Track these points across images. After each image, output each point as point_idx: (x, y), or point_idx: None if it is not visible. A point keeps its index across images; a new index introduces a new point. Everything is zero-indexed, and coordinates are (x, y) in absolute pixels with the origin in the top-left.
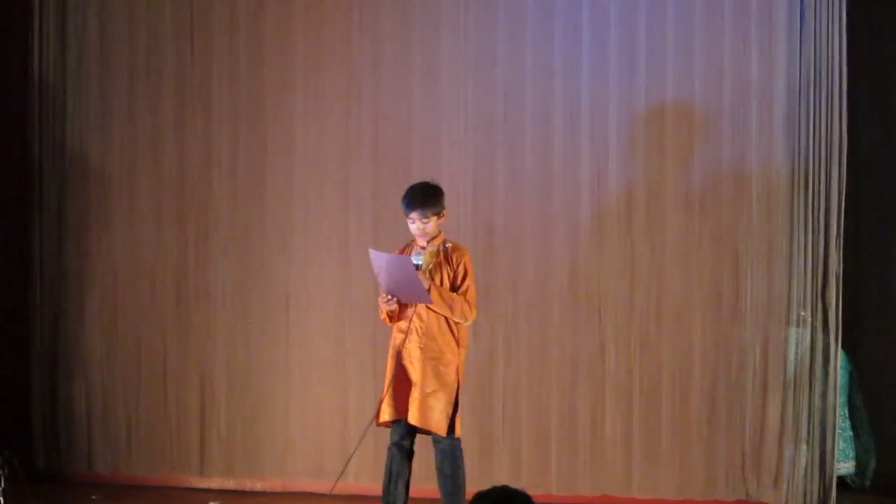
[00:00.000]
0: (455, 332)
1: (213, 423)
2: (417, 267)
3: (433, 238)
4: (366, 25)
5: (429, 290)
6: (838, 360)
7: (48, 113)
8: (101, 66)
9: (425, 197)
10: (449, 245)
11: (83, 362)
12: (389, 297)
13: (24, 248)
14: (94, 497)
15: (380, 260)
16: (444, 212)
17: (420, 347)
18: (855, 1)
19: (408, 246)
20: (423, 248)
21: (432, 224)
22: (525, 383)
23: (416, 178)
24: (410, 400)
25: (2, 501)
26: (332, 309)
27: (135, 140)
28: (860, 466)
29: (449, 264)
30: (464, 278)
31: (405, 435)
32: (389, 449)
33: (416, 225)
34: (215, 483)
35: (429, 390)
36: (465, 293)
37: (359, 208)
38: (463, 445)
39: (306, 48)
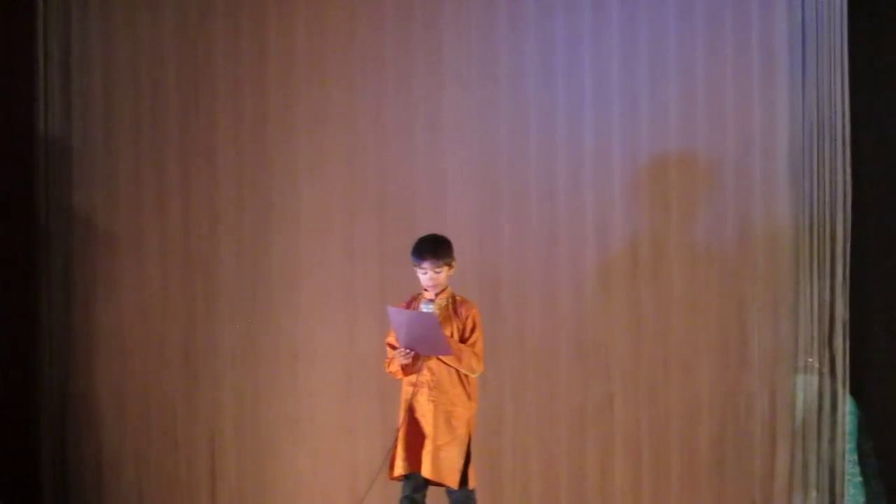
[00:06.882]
0: (466, 384)
1: (223, 480)
2: None
3: (442, 291)
4: (368, 80)
5: None
6: (846, 406)
7: (54, 174)
8: (106, 126)
9: (437, 246)
10: (458, 298)
11: (93, 423)
12: (408, 350)
13: (31, 310)
14: None
15: (400, 316)
16: (455, 263)
17: (432, 401)
18: (856, 48)
19: (414, 299)
20: (432, 299)
21: (443, 274)
22: (533, 435)
23: (421, 232)
24: (423, 453)
25: None
26: (339, 364)
27: (140, 200)
28: None
29: (458, 318)
30: (472, 331)
31: (417, 488)
32: (401, 502)
33: (428, 275)
34: None
35: (441, 443)
36: (473, 345)
37: (364, 263)
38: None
39: (309, 104)
